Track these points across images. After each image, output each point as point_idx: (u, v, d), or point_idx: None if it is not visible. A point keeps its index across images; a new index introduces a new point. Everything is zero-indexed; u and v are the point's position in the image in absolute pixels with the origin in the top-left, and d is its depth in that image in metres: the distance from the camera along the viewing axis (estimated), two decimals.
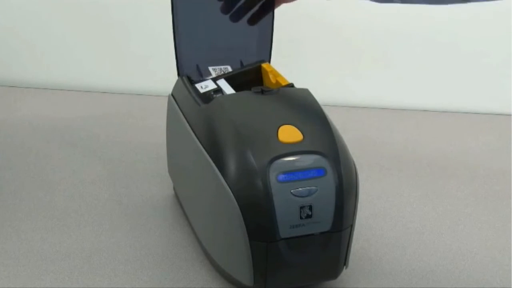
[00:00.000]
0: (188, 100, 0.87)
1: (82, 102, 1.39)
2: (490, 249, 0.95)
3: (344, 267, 0.82)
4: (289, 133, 0.75)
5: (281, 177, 0.73)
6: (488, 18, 1.33)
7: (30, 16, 1.43)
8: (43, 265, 0.86)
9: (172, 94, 0.94)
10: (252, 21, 0.88)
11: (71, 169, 1.10)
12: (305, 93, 0.84)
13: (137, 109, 1.36)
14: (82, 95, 1.43)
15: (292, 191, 0.73)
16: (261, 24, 0.89)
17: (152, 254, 0.90)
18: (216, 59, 0.95)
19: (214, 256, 0.84)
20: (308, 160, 0.74)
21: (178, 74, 0.93)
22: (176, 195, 1.01)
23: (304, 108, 0.81)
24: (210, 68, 0.95)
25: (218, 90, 0.90)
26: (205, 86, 0.90)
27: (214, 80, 0.92)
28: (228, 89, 0.90)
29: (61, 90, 1.44)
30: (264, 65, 0.95)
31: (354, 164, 0.78)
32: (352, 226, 0.78)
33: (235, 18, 0.87)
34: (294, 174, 0.73)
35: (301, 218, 0.73)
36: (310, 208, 0.73)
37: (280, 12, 0.91)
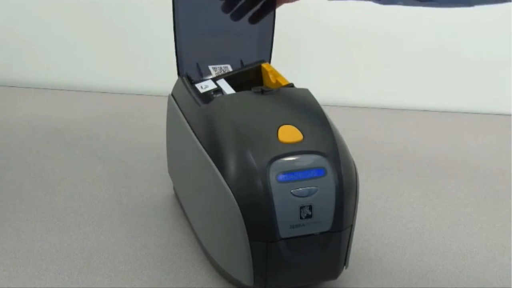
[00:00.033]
0: (188, 100, 0.87)
1: (82, 102, 1.39)
2: (490, 249, 0.95)
3: (344, 267, 0.82)
4: (289, 133, 0.75)
5: (281, 177, 0.73)
6: (488, 18, 1.33)
7: (30, 16, 1.43)
8: (43, 265, 0.86)
9: (172, 94, 0.94)
10: (253, 19, 0.88)
11: (71, 169, 1.10)
12: (305, 93, 0.84)
13: (137, 109, 1.36)
14: (82, 95, 1.43)
15: (292, 191, 0.73)
16: (262, 23, 0.89)
17: (152, 254, 0.90)
18: (216, 58, 0.95)
19: (214, 256, 0.84)
20: (308, 160, 0.74)
21: (178, 73, 0.93)
22: (176, 195, 1.01)
23: (304, 108, 0.81)
24: (210, 67, 0.95)
25: (218, 90, 0.90)
26: (205, 86, 0.90)
27: (214, 80, 0.92)
28: (228, 89, 0.90)
29: (61, 90, 1.44)
30: (264, 65, 0.95)
31: (354, 164, 0.78)
32: (352, 226, 0.78)
33: (236, 17, 0.87)
34: (294, 174, 0.73)
35: (301, 218, 0.73)
36: (310, 208, 0.73)
37: (280, 12, 0.91)
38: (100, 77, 1.46)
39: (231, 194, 0.73)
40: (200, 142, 0.81)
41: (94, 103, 1.39)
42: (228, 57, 0.96)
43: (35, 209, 0.98)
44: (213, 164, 0.77)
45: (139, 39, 1.44)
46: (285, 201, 0.72)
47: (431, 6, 0.70)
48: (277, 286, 0.79)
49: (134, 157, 1.15)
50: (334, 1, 0.76)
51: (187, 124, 0.86)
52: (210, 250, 0.85)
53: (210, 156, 0.78)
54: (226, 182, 0.74)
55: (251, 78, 0.95)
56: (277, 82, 0.91)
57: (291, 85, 0.89)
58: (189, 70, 0.93)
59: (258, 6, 0.87)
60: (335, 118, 0.81)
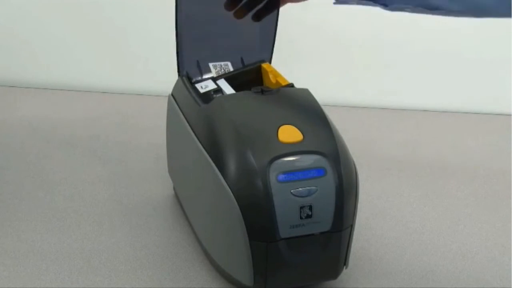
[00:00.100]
0: (188, 100, 0.87)
1: (82, 102, 1.39)
2: (490, 249, 0.95)
3: (344, 267, 0.82)
4: (289, 133, 0.75)
5: (281, 177, 0.73)
6: (488, 18, 1.33)
7: (30, 16, 1.43)
8: (43, 265, 0.86)
9: (172, 94, 0.94)
10: (257, 17, 0.88)
11: (71, 169, 1.10)
12: (305, 93, 0.84)
13: (137, 109, 1.36)
14: (82, 95, 1.42)
15: (292, 191, 0.73)
16: (264, 21, 0.89)
17: (152, 254, 0.90)
18: (217, 56, 0.95)
19: (214, 256, 0.84)
20: (308, 160, 0.74)
21: (178, 71, 0.93)
22: (176, 195, 1.01)
23: (304, 108, 0.81)
24: (210, 65, 0.95)
25: (218, 90, 0.90)
26: (205, 86, 0.90)
27: (214, 80, 0.92)
28: (228, 89, 0.90)
29: (61, 90, 1.44)
30: (264, 65, 0.95)
31: (354, 164, 0.78)
32: (352, 226, 0.78)
33: (239, 15, 0.87)
34: (294, 174, 0.73)
35: (301, 218, 0.73)
36: (310, 208, 0.73)
37: (281, 12, 0.91)
38: (100, 77, 1.46)
39: (231, 194, 0.73)
40: (200, 142, 0.81)
41: (94, 103, 1.39)
42: (228, 55, 0.96)
43: (35, 209, 0.98)
44: (213, 164, 0.77)
45: (139, 39, 1.44)
46: (285, 201, 0.72)
47: (439, 14, 0.70)
48: (277, 286, 0.79)
49: (134, 157, 1.15)
50: (338, 5, 0.76)
51: (187, 124, 0.86)
52: (210, 250, 0.85)
53: (210, 156, 0.78)
54: (226, 182, 0.74)
55: (251, 78, 0.95)
56: (277, 82, 0.91)
57: (291, 85, 0.89)
58: (189, 68, 0.93)
59: (261, 5, 0.87)
60: (335, 118, 0.81)
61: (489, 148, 1.27)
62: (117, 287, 0.83)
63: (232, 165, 0.74)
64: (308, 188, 0.73)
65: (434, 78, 1.44)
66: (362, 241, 0.94)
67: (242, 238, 0.74)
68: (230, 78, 0.93)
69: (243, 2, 0.85)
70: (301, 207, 0.73)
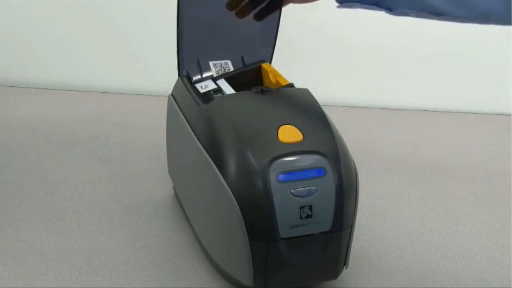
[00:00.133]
0: (188, 100, 0.87)
1: (82, 102, 1.39)
2: (490, 249, 0.95)
3: (344, 267, 0.82)
4: (289, 133, 0.75)
5: (281, 177, 0.73)
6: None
7: (30, 16, 1.43)
8: (43, 265, 0.86)
9: (172, 94, 0.94)
10: (259, 17, 0.88)
11: (71, 169, 1.10)
12: (305, 93, 0.84)
13: (137, 109, 1.36)
14: (82, 95, 1.42)
15: (292, 191, 0.73)
16: (266, 21, 0.89)
17: (152, 254, 0.90)
18: (217, 54, 0.95)
19: (214, 256, 0.84)
20: (308, 160, 0.74)
21: (178, 69, 0.92)
22: (176, 195, 1.01)
23: (304, 108, 0.81)
24: (211, 63, 0.94)
25: (218, 90, 0.90)
26: (205, 86, 0.90)
27: (214, 80, 0.92)
28: (228, 89, 0.90)
29: (61, 90, 1.44)
30: (264, 65, 0.95)
31: (354, 164, 0.78)
32: (352, 226, 0.78)
33: (241, 15, 0.87)
34: (294, 174, 0.73)
35: (301, 218, 0.73)
36: (310, 208, 0.73)
37: (282, 12, 0.91)
38: (100, 77, 1.46)
39: (231, 194, 0.73)
40: (200, 142, 0.81)
41: (94, 103, 1.39)
42: (229, 54, 0.95)
43: (35, 209, 0.98)
44: (213, 164, 0.77)
45: (139, 39, 1.44)
46: (285, 201, 0.72)
47: (444, 20, 0.70)
48: (277, 286, 0.79)
49: (134, 157, 1.15)
50: (342, 8, 0.76)
51: (187, 124, 0.86)
52: (210, 250, 0.85)
53: (210, 156, 0.78)
54: (226, 182, 0.74)
55: (251, 78, 0.95)
56: (277, 82, 0.91)
57: (291, 85, 0.89)
58: (189, 67, 0.92)
59: (264, 4, 0.87)
60: (335, 118, 0.81)
61: (489, 148, 1.27)
62: (117, 287, 0.83)
63: (232, 165, 0.74)
64: (308, 188, 0.73)
65: (434, 78, 1.44)
66: (362, 241, 0.94)
67: (242, 238, 0.74)
68: (230, 78, 0.93)
69: (245, 1, 0.85)
70: (301, 207, 0.73)
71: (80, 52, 1.46)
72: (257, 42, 0.96)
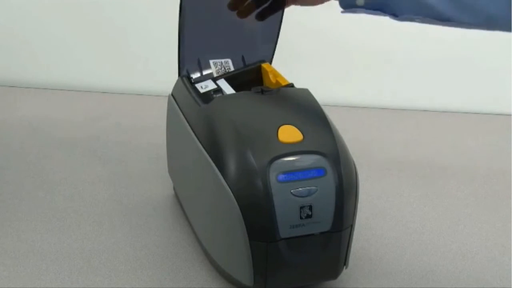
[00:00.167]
0: (188, 100, 0.87)
1: (82, 102, 1.39)
2: (490, 249, 0.95)
3: (344, 267, 0.82)
4: (289, 133, 0.75)
5: (281, 177, 0.73)
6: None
7: (30, 16, 1.43)
8: (43, 265, 0.86)
9: (172, 94, 0.94)
10: (261, 16, 0.88)
11: (71, 169, 1.10)
12: (305, 93, 0.84)
13: (137, 109, 1.36)
14: (82, 95, 1.42)
15: (292, 191, 0.73)
16: (268, 21, 0.89)
17: (152, 254, 0.90)
18: (218, 53, 0.95)
19: (214, 256, 0.84)
20: (308, 160, 0.74)
21: (179, 67, 0.92)
22: (176, 195, 1.01)
23: (304, 108, 0.81)
24: (211, 62, 0.94)
25: (218, 90, 0.89)
26: (205, 86, 0.90)
27: (214, 80, 0.92)
28: (228, 89, 0.90)
29: (61, 90, 1.44)
30: (264, 65, 0.95)
31: (354, 164, 0.78)
32: (352, 226, 0.78)
33: (243, 15, 0.86)
34: (294, 174, 0.73)
35: (301, 218, 0.73)
36: (310, 208, 0.73)
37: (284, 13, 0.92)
38: (100, 77, 1.46)
39: (231, 194, 0.73)
40: (200, 142, 0.81)
41: (94, 103, 1.39)
42: (230, 53, 0.95)
43: (35, 209, 0.98)
44: (213, 164, 0.77)
45: (139, 39, 1.44)
46: (285, 201, 0.72)
47: (449, 26, 0.70)
48: (277, 286, 0.79)
49: (134, 157, 1.15)
50: (346, 13, 0.76)
51: (187, 124, 0.86)
52: (210, 250, 0.85)
53: (210, 156, 0.78)
54: (226, 182, 0.74)
55: (251, 78, 0.95)
56: (277, 82, 0.91)
57: (291, 85, 0.89)
58: (189, 66, 0.92)
59: (266, 4, 0.87)
60: (335, 118, 0.81)
61: (489, 148, 1.27)
62: (117, 287, 0.83)
63: (232, 165, 0.74)
64: (308, 188, 0.73)
65: (434, 78, 1.44)
66: (362, 241, 0.94)
67: (242, 238, 0.74)
68: (230, 78, 0.92)
69: (247, 2, 0.85)
70: (301, 207, 0.73)
71: (80, 52, 1.46)
72: (259, 42, 0.96)
